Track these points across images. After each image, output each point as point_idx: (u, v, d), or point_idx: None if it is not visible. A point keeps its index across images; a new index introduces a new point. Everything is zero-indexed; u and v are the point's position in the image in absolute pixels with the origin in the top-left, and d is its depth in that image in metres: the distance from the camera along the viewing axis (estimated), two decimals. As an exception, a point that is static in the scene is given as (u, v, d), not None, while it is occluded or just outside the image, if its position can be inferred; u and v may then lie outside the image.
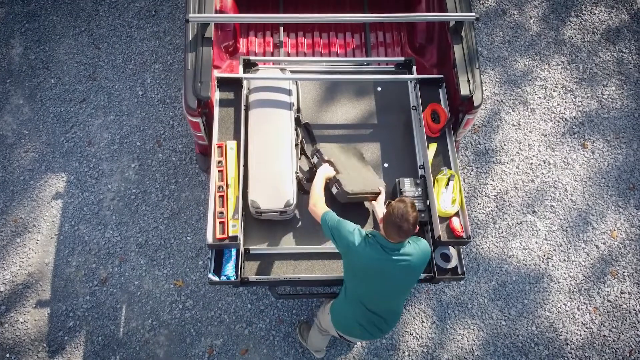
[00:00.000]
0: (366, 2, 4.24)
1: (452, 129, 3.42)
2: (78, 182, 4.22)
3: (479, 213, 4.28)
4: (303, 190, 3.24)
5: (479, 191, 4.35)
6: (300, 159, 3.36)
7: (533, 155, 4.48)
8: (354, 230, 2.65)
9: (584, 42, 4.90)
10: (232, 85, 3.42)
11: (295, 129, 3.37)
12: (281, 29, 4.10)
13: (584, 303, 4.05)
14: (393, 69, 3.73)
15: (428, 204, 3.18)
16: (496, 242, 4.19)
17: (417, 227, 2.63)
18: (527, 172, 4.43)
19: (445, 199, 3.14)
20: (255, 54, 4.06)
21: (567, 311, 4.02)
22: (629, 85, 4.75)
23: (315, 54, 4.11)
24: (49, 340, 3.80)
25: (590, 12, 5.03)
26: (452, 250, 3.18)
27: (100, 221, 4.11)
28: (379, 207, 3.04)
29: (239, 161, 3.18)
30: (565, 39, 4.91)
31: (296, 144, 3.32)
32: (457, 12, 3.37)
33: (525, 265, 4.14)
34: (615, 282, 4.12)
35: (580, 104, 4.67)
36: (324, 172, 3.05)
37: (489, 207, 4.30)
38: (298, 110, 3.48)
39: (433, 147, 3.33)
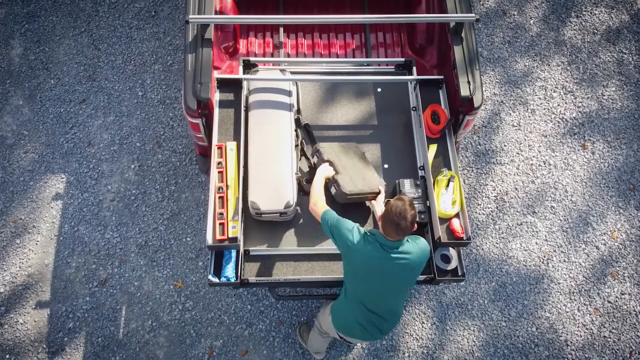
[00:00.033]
0: (366, 3, 4.24)
1: (452, 130, 3.42)
2: (78, 183, 4.22)
3: (479, 214, 4.27)
4: (303, 191, 3.24)
5: (479, 192, 4.35)
6: (300, 160, 3.36)
7: (533, 156, 4.48)
8: (352, 229, 2.66)
9: (584, 43, 4.90)
10: (232, 86, 3.42)
11: (295, 130, 3.36)
12: (281, 29, 4.09)
13: (584, 304, 4.05)
14: (393, 70, 3.72)
15: (428, 205, 3.18)
16: (496, 243, 4.19)
17: (416, 225, 2.63)
18: (527, 172, 4.42)
19: (446, 200, 3.14)
20: (255, 55, 4.05)
21: (567, 312, 4.02)
22: (629, 86, 4.75)
23: (315, 54, 4.11)
24: (48, 341, 3.79)
25: (591, 13, 5.03)
26: (452, 252, 3.18)
27: (100, 222, 4.11)
28: (379, 207, 3.04)
29: (238, 162, 3.18)
30: (566, 39, 4.91)
31: (296, 145, 3.32)
32: (457, 13, 3.37)
33: (526, 266, 4.14)
34: (616, 283, 4.12)
35: (580, 104, 4.67)
36: (323, 172, 3.06)
37: (489, 208, 4.30)
38: (298, 111, 3.48)
39: (433, 148, 3.33)
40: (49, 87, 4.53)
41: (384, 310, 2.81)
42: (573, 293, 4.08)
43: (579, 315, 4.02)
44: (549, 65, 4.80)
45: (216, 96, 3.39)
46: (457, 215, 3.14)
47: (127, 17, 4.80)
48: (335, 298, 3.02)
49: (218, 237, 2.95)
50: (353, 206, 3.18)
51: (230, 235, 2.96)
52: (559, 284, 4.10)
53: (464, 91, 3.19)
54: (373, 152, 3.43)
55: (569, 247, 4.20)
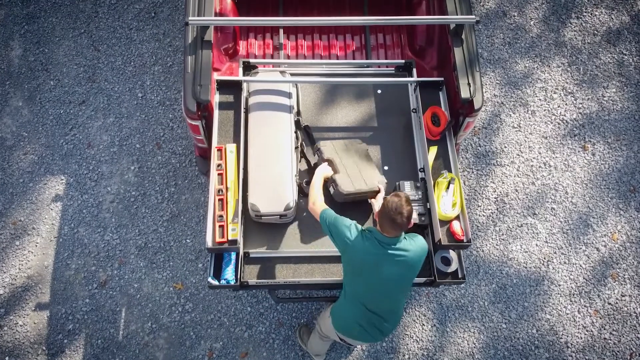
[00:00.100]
0: (366, 4, 4.24)
1: (452, 131, 3.41)
2: (77, 185, 4.21)
3: (479, 215, 4.27)
4: (303, 193, 3.23)
5: (479, 193, 4.34)
6: (300, 161, 3.35)
7: (533, 158, 4.47)
8: (350, 226, 2.69)
9: (585, 44, 4.89)
10: (231, 88, 3.41)
11: (295, 132, 3.35)
12: (281, 31, 4.09)
13: (585, 306, 4.04)
14: (393, 72, 3.72)
15: (428, 207, 3.17)
16: (496, 245, 4.19)
17: (412, 222, 2.64)
18: (528, 174, 4.42)
19: (446, 202, 3.13)
20: (255, 57, 4.05)
21: (567, 314, 4.02)
22: (629, 87, 4.75)
23: (315, 56, 4.10)
24: (48, 343, 3.79)
25: (591, 14, 5.02)
26: (453, 254, 3.17)
27: (100, 224, 4.10)
28: (378, 204, 3.05)
29: (238, 164, 3.18)
30: (566, 40, 4.90)
31: (296, 147, 3.31)
32: (457, 14, 3.36)
33: (526, 267, 4.13)
34: (616, 284, 4.11)
35: (580, 106, 4.67)
36: (322, 172, 3.08)
37: (489, 210, 4.29)
38: (298, 113, 3.47)
39: (433, 150, 3.32)
40: (48, 89, 4.52)
41: (384, 310, 2.81)
42: (573, 295, 4.07)
43: (579, 317, 4.01)
44: (549, 66, 4.80)
45: (216, 98, 3.38)
46: (457, 218, 3.14)
47: (127, 18, 4.79)
48: (335, 300, 3.02)
49: (218, 239, 2.94)
50: (352, 205, 3.18)
51: (230, 238, 2.95)
52: (559, 285, 4.09)
53: (464, 93, 3.18)
54: (373, 154, 3.43)
55: (570, 248, 4.20)
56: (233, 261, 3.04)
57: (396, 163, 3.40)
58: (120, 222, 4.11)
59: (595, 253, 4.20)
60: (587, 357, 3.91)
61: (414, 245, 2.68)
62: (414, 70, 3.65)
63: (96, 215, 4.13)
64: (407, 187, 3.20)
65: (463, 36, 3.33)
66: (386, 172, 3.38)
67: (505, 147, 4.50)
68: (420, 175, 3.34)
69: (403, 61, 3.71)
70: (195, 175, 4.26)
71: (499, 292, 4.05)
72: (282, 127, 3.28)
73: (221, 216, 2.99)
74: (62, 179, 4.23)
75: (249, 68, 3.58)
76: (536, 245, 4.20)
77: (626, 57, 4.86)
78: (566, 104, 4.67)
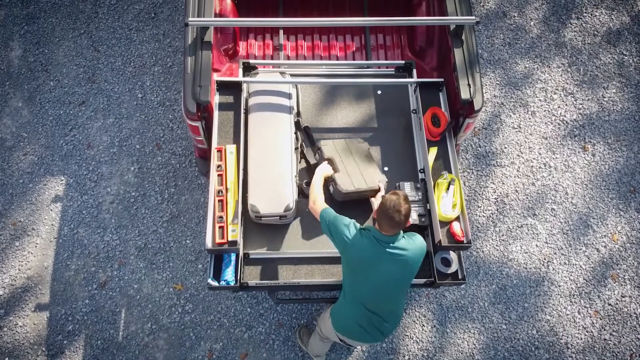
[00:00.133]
0: (366, 5, 4.23)
1: (452, 132, 3.41)
2: (77, 185, 4.21)
3: (479, 216, 4.26)
4: (303, 194, 3.23)
5: (479, 194, 4.34)
6: (300, 162, 3.35)
7: (533, 158, 4.47)
8: (349, 224, 2.70)
9: (585, 45, 4.89)
10: (231, 88, 3.41)
11: (295, 133, 3.35)
12: (281, 31, 4.08)
13: (585, 306, 4.04)
14: (393, 73, 3.72)
15: (428, 208, 3.17)
16: (497, 246, 4.18)
17: (410, 220, 2.65)
18: (528, 175, 4.42)
19: (446, 203, 3.13)
20: (255, 57, 4.05)
21: (567, 315, 4.01)
22: (629, 88, 4.74)
23: (315, 56, 4.10)
24: (48, 344, 3.78)
25: (591, 15, 5.02)
26: (453, 255, 3.17)
27: (100, 224, 4.10)
28: (377, 203, 3.05)
29: (238, 165, 3.17)
30: (566, 41, 4.90)
31: (296, 148, 3.31)
32: (457, 15, 3.36)
33: (526, 268, 4.13)
34: (616, 285, 4.11)
35: (580, 106, 4.66)
36: (322, 171, 3.09)
37: (489, 210, 4.29)
38: (298, 113, 3.47)
39: (433, 151, 3.32)
40: (48, 89, 4.52)
41: (384, 310, 2.81)
42: (573, 296, 4.07)
43: (579, 318, 4.01)
44: (549, 67, 4.80)
45: (216, 99, 3.38)
46: (457, 219, 3.14)
47: (127, 18, 4.79)
48: (334, 301, 3.01)
49: (217, 240, 2.94)
50: (353, 204, 3.19)
51: (229, 239, 2.95)
52: (559, 286, 4.09)
53: (464, 94, 3.18)
54: (373, 155, 3.42)
55: (570, 249, 4.20)
56: (233, 262, 3.03)
57: (396, 164, 3.39)
58: (120, 223, 4.11)
59: (596, 254, 4.19)
60: (587, 358, 3.90)
61: (412, 244, 2.69)
62: (414, 71, 3.65)
63: (96, 216, 4.12)
64: (407, 188, 3.20)
65: (463, 37, 3.32)
66: (386, 173, 3.37)
67: (505, 147, 4.50)
68: (421, 176, 3.34)
69: (403, 62, 3.71)
70: (195, 176, 4.26)
71: (499, 292, 4.05)
72: (282, 127, 3.28)
73: (221, 217, 2.99)
74: (61, 180, 4.23)
75: (248, 69, 3.58)
76: (536, 246, 4.20)
77: (626, 57, 4.86)
78: (566, 105, 4.67)
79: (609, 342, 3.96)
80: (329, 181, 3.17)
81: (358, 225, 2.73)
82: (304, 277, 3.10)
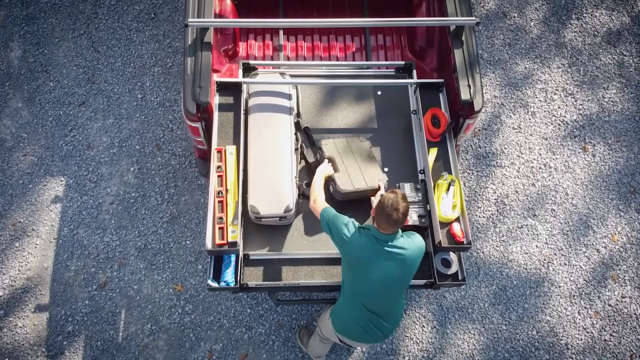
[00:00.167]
0: (366, 6, 4.23)
1: (452, 133, 3.40)
2: (77, 186, 4.21)
3: (479, 217, 4.26)
4: (303, 195, 3.23)
5: (479, 195, 4.34)
6: (300, 163, 3.35)
7: (534, 159, 4.47)
8: (348, 223, 2.72)
9: (585, 45, 4.89)
10: (231, 89, 3.41)
11: (295, 134, 3.35)
12: (281, 32, 4.08)
13: (585, 307, 4.04)
14: (393, 73, 3.71)
15: (428, 209, 3.16)
16: (497, 246, 4.18)
17: (408, 219, 2.65)
18: (528, 175, 4.41)
19: (446, 204, 3.13)
20: (255, 58, 4.04)
21: (567, 315, 4.01)
22: (629, 88, 4.74)
23: (315, 57, 4.10)
24: (47, 345, 3.78)
25: (591, 15, 5.01)
26: (453, 256, 3.17)
27: (100, 225, 4.10)
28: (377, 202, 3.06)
29: (238, 166, 3.17)
30: (566, 41, 4.90)
31: (296, 149, 3.31)
32: (457, 16, 3.35)
33: (526, 269, 4.12)
34: (616, 286, 4.11)
35: (581, 107, 4.66)
36: (323, 171, 3.10)
37: (489, 211, 4.29)
38: (298, 114, 3.47)
39: (433, 151, 3.32)
40: (48, 90, 4.51)
41: (383, 310, 2.82)
42: (573, 296, 4.07)
43: (579, 319, 4.01)
44: (549, 67, 4.79)
45: (215, 100, 3.37)
46: (457, 220, 3.13)
47: (127, 19, 4.79)
48: (334, 302, 3.01)
49: (217, 241, 2.94)
50: (353, 203, 3.19)
51: (229, 240, 2.95)
52: (559, 287, 4.09)
53: (465, 95, 3.18)
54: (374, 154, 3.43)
55: (570, 250, 4.19)
56: (233, 263, 3.03)
57: (396, 165, 3.39)
58: (120, 224, 4.11)
59: (596, 254, 4.19)
60: (587, 359, 3.90)
61: (411, 243, 2.69)
62: (414, 71, 3.64)
63: (96, 217, 4.12)
64: (407, 189, 3.20)
65: (463, 38, 3.32)
66: (386, 174, 3.36)
67: (505, 148, 4.50)
68: (421, 177, 3.33)
69: (403, 62, 3.70)
70: (195, 177, 4.25)
71: (499, 293, 4.05)
72: (282, 128, 3.28)
73: (221, 218, 2.99)
74: (61, 181, 4.23)
75: (248, 69, 3.57)
76: (536, 246, 4.19)
77: (626, 58, 4.85)
78: (566, 105, 4.66)
79: (609, 343, 3.96)
80: (329, 181, 3.17)
81: (357, 223, 2.74)
82: (304, 278, 3.10)
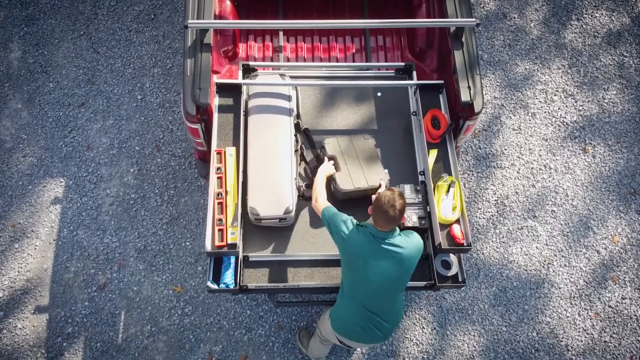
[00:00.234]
0: (366, 7, 4.22)
1: (452, 135, 3.40)
2: (77, 187, 4.20)
3: (479, 218, 4.26)
4: (303, 196, 3.23)
5: (479, 196, 4.33)
6: (300, 165, 3.35)
7: (534, 160, 4.46)
8: (346, 220, 2.74)
9: (585, 46, 4.89)
10: (231, 90, 3.40)
11: (295, 135, 3.35)
12: (281, 33, 4.07)
13: (585, 309, 4.04)
14: (393, 74, 3.71)
15: (428, 210, 3.16)
16: (497, 248, 4.18)
17: (405, 217, 2.66)
18: (528, 176, 4.41)
19: (446, 205, 3.12)
20: (255, 59, 4.04)
21: (568, 317, 4.01)
22: (630, 89, 4.74)
23: (315, 58, 4.09)
24: (47, 346, 3.78)
25: (591, 16, 5.01)
26: (453, 257, 3.17)
27: (99, 226, 4.09)
28: None
29: (238, 167, 3.17)
30: (566, 42, 4.89)
31: (296, 150, 3.30)
32: (457, 17, 3.35)
33: (526, 270, 4.12)
34: (616, 287, 4.10)
35: (581, 108, 4.66)
36: (324, 170, 3.11)
37: (489, 212, 4.28)
38: (298, 115, 3.46)
39: (433, 153, 3.31)
40: (47, 91, 4.51)
41: (383, 310, 2.81)
42: (574, 298, 4.06)
43: (579, 320, 4.00)
44: (549, 68, 4.79)
45: (215, 101, 3.37)
46: (457, 221, 3.13)
47: (126, 20, 4.78)
48: (334, 303, 3.00)
49: (217, 243, 2.93)
50: (354, 202, 3.19)
51: (229, 242, 2.94)
52: (559, 288, 4.08)
53: (465, 96, 3.17)
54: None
55: (570, 251, 4.19)
56: (232, 265, 3.03)
57: (396, 166, 3.39)
58: (120, 225, 4.10)
59: (596, 256, 4.19)
60: (587, 360, 3.91)
61: (409, 242, 2.70)
62: (414, 73, 3.64)
63: (95, 218, 4.12)
64: (407, 191, 3.19)
65: (463, 39, 3.32)
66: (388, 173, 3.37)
67: (505, 149, 4.49)
68: (421, 178, 3.33)
69: (403, 64, 3.70)
70: (195, 178, 4.25)
71: (499, 295, 4.04)
72: (282, 130, 3.27)
73: (220, 220, 2.99)
74: (61, 182, 4.22)
75: (248, 71, 3.57)
76: (536, 247, 4.19)
77: (627, 59, 4.85)
78: (566, 106, 4.66)
79: (610, 344, 3.95)
80: (330, 180, 3.18)
81: (355, 221, 2.76)
82: (303, 279, 3.09)
